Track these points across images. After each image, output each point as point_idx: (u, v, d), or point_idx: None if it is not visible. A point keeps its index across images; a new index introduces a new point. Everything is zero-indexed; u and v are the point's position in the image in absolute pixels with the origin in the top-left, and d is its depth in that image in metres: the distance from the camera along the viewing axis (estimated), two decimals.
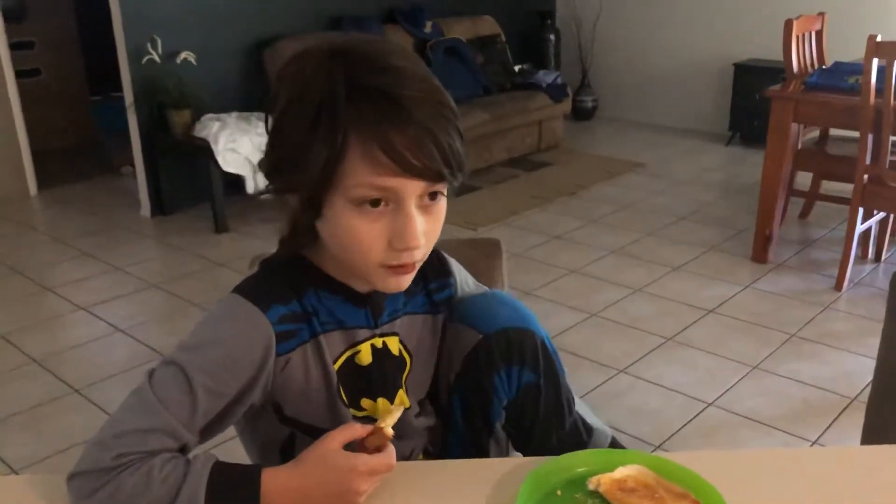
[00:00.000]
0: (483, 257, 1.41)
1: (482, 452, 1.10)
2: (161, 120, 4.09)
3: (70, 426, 2.43)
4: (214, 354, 0.90)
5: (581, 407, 1.15)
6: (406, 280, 0.93)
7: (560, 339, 2.92)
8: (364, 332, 1.01)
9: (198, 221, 4.17)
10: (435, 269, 1.10)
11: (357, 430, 0.90)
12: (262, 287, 0.96)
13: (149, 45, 3.98)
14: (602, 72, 6.20)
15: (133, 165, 4.34)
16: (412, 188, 0.86)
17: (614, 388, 2.61)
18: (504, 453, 1.14)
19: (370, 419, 1.01)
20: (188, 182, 4.29)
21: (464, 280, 1.15)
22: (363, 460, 0.88)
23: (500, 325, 1.03)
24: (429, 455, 1.16)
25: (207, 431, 0.91)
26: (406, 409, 1.05)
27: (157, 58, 3.99)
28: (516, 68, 5.51)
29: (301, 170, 0.86)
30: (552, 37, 6.17)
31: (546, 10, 6.20)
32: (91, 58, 5.62)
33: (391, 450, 0.90)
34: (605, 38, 6.07)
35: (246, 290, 0.95)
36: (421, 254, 0.91)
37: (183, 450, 0.88)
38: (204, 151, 3.87)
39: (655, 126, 5.97)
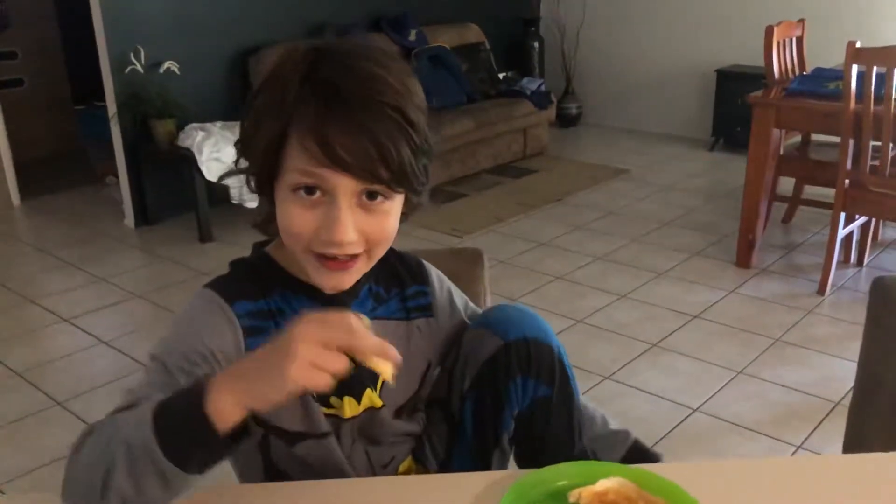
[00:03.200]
0: (465, 267, 1.41)
1: (485, 463, 1.10)
2: (144, 130, 4.07)
3: (52, 440, 2.41)
4: (184, 336, 0.94)
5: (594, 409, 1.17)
6: (343, 278, 0.93)
7: None
8: None
9: (182, 231, 4.15)
10: (412, 274, 1.12)
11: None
12: (230, 283, 1.00)
13: (132, 55, 3.96)
14: (586, 79, 6.22)
15: (117, 175, 4.32)
16: (344, 182, 0.87)
17: (600, 394, 2.62)
18: (505, 467, 1.12)
19: (337, 417, 1.03)
20: (172, 192, 4.27)
21: (445, 289, 1.14)
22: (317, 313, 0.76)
23: (523, 333, 1.03)
24: (420, 465, 1.15)
25: None
26: (378, 409, 1.06)
27: (140, 67, 3.98)
28: (500, 76, 5.52)
29: (252, 151, 0.93)
30: (536, 44, 6.19)
31: (530, 17, 6.21)
32: (74, 67, 5.60)
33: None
34: (589, 46, 6.10)
35: (214, 284, 0.99)
36: (357, 250, 0.91)
37: None
38: (188, 161, 3.86)
39: (639, 132, 6.00)
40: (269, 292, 0.99)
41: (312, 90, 0.86)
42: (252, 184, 0.96)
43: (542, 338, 1.04)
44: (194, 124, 4.00)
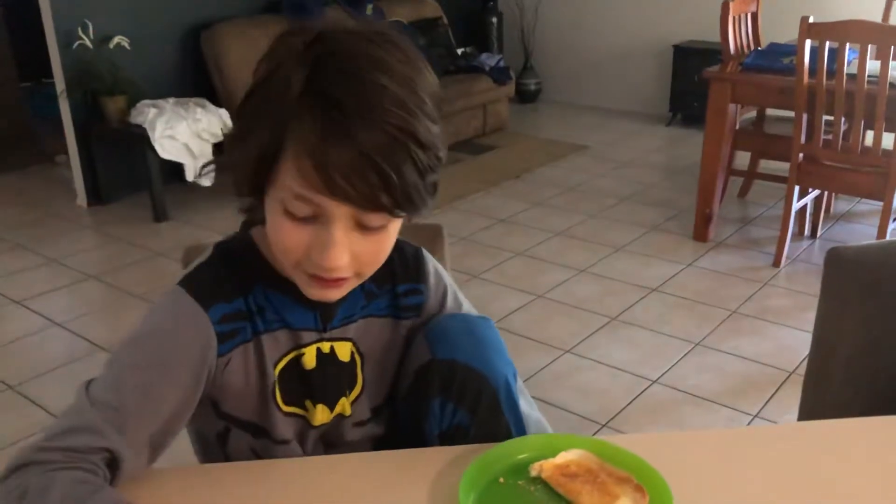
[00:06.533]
0: (425, 243, 1.38)
1: None
2: (95, 107, 3.96)
3: (6, 424, 2.35)
4: (147, 350, 0.89)
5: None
6: (333, 293, 0.88)
7: (506, 321, 2.93)
8: (311, 335, 0.97)
9: (136, 210, 4.07)
10: (408, 272, 1.04)
11: None
12: (208, 281, 0.92)
13: (79, 30, 3.85)
14: (545, 55, 6.21)
15: (67, 154, 4.21)
16: (340, 210, 0.80)
17: (561, 368, 2.64)
18: None
19: (306, 421, 1.00)
20: (125, 170, 4.18)
21: (440, 290, 1.06)
22: None
23: (452, 355, 0.97)
24: None
25: (153, 441, 0.87)
26: (346, 417, 1.02)
27: (88, 43, 3.87)
28: (459, 51, 5.48)
29: (241, 155, 0.83)
30: (494, 20, 6.15)
31: None
32: (19, 43, 5.41)
33: None
34: (547, 21, 6.09)
35: (191, 283, 0.92)
36: (349, 272, 0.86)
37: (113, 460, 0.84)
38: (141, 139, 3.77)
39: (598, 108, 6.02)
40: (249, 288, 0.93)
41: (314, 105, 0.77)
42: (236, 186, 0.87)
43: (476, 364, 0.96)
44: (146, 101, 3.90)
